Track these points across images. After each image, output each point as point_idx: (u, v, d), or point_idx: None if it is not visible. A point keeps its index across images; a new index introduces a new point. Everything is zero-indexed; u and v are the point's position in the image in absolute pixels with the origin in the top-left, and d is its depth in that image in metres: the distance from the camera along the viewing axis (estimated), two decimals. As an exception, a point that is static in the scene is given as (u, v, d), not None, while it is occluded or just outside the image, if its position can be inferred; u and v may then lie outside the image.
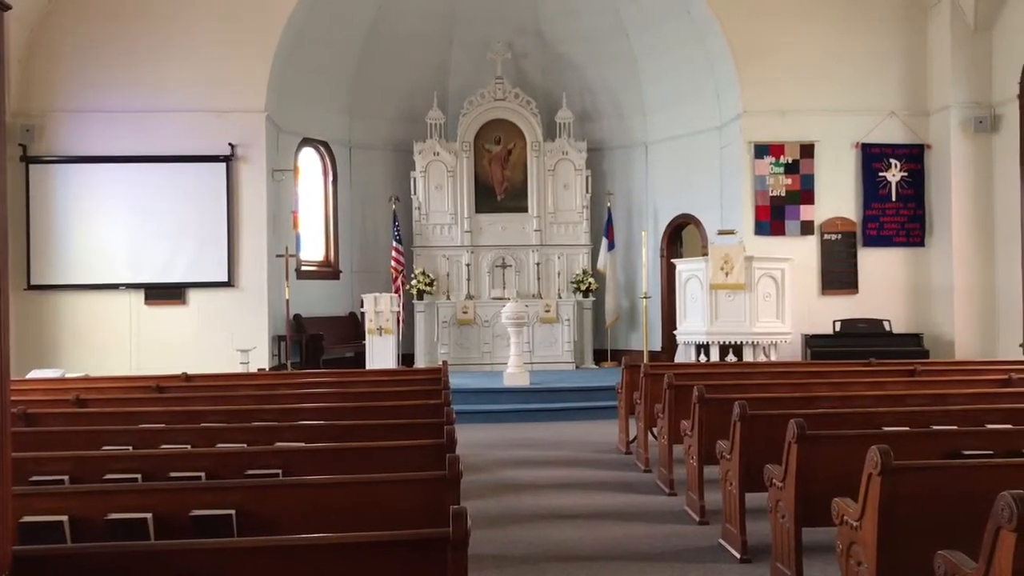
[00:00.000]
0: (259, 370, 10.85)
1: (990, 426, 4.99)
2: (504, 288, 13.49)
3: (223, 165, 11.54)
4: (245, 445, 4.64)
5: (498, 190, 14.07)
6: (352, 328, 13.26)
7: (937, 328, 11.58)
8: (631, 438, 8.18)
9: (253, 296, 11.61)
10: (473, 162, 13.95)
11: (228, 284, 11.59)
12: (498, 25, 13.94)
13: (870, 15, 11.81)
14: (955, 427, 5.00)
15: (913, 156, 11.89)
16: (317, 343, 12.42)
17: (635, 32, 13.51)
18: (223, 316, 11.53)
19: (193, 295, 11.64)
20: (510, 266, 13.86)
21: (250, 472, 4.03)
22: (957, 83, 11.44)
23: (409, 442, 4.35)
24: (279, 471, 4.07)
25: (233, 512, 3.29)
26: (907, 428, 4.95)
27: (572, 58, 14.28)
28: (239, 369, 10.55)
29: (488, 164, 14.05)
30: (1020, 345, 10.72)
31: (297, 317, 12.53)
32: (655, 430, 7.22)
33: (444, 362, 8.14)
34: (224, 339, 11.27)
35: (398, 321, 12.55)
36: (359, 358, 12.31)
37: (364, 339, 11.81)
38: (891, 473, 3.44)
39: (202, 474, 3.95)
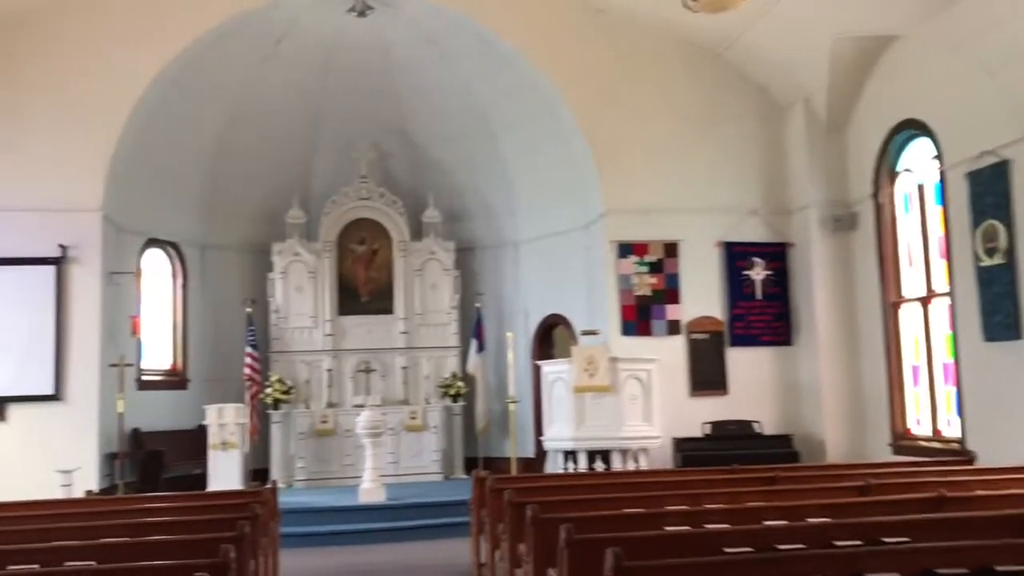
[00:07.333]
0: (87, 493, 9.77)
1: (838, 543, 4.56)
2: (368, 395, 12.73)
3: (52, 268, 10.61)
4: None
5: (363, 291, 13.48)
6: (200, 442, 12.13)
7: (807, 428, 11.36)
8: (481, 561, 7.49)
9: (82, 410, 10.55)
10: (336, 263, 13.37)
11: (54, 398, 10.52)
12: (363, 124, 13.59)
13: (728, 116, 11.91)
14: (803, 546, 4.54)
15: (776, 255, 11.87)
16: (157, 460, 11.36)
17: (502, 133, 13.35)
18: (48, 433, 10.42)
19: (14, 411, 10.50)
20: (375, 371, 13.16)
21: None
22: (815, 182, 11.54)
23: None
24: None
25: None
26: (751, 550, 4.48)
27: (439, 158, 14.00)
28: (61, 492, 9.47)
29: (352, 265, 13.49)
30: (888, 444, 10.55)
31: (135, 432, 11.49)
32: (499, 553, 6.57)
33: (274, 482, 7.37)
34: (49, 459, 10.11)
35: (251, 433, 11.70)
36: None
37: (212, 454, 10.87)
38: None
39: None
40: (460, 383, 13.14)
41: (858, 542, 4.57)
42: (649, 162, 11.62)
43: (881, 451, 10.52)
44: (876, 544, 4.43)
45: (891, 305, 10.72)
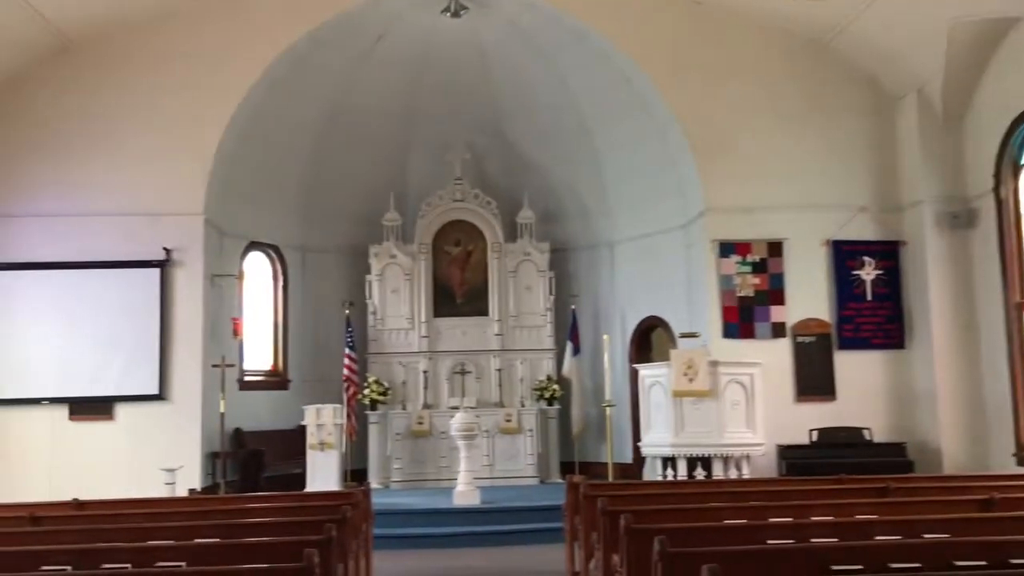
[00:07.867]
0: (190, 491, 9.98)
1: (959, 563, 4.18)
2: (463, 396, 12.68)
3: (157, 270, 10.90)
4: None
5: (458, 293, 13.45)
6: (300, 442, 12.26)
7: (922, 436, 10.74)
8: (575, 569, 7.28)
9: (186, 410, 10.80)
10: (432, 265, 13.37)
11: (159, 397, 10.79)
12: (458, 125, 13.56)
13: (835, 108, 11.39)
14: (918, 566, 4.19)
15: (888, 253, 11.29)
16: (257, 459, 11.53)
17: (598, 131, 13.12)
18: (153, 432, 10.69)
19: (121, 409, 10.83)
20: (470, 372, 13.09)
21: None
22: (929, 177, 10.93)
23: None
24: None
25: None
26: (861, 568, 4.15)
27: (534, 158, 13.87)
28: (164, 491, 9.69)
29: (447, 267, 13.48)
30: (1013, 455, 9.87)
31: (237, 431, 11.71)
32: (592, 562, 6.35)
33: (367, 484, 7.33)
34: (154, 457, 10.36)
35: (349, 434, 11.77)
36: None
37: (310, 455, 10.97)
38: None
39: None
40: (555, 386, 12.96)
41: (982, 563, 4.19)
42: (751, 158, 11.20)
43: (1005, 462, 9.85)
44: (1003, 566, 4.05)
45: (1015, 306, 10.04)
